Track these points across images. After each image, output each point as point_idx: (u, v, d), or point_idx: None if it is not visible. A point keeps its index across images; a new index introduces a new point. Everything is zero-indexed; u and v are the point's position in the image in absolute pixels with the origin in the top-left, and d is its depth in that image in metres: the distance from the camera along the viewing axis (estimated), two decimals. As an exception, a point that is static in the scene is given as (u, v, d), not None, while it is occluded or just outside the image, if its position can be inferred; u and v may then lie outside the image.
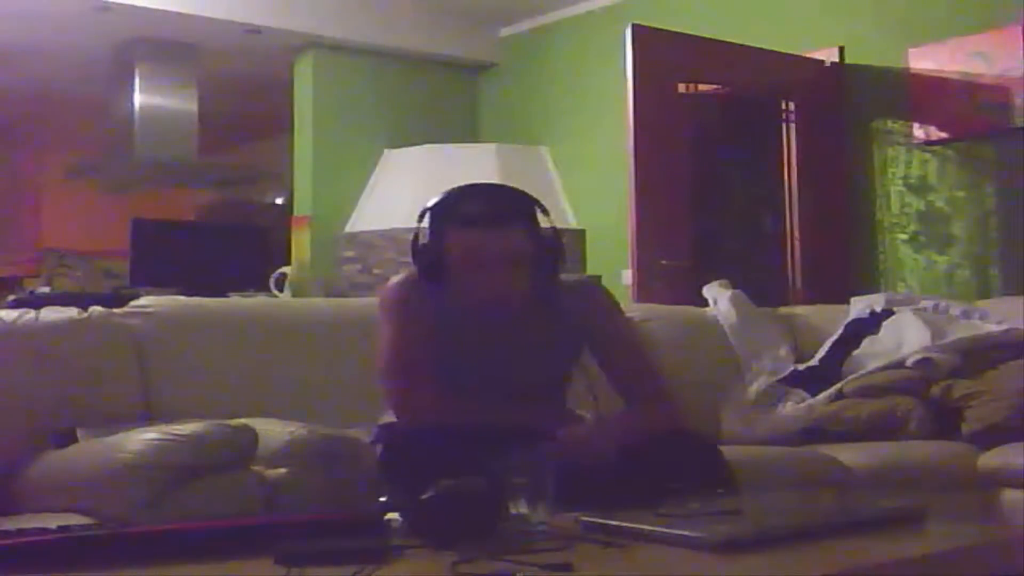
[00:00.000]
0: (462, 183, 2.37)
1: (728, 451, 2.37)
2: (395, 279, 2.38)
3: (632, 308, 3.55)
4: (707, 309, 3.92)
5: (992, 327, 3.65)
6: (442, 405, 2.24)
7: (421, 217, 2.31)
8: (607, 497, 1.83)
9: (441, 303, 2.33)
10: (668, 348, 3.36)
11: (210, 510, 1.90)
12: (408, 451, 2.15)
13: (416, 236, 2.32)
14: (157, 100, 6.42)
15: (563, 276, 2.42)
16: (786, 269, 5.07)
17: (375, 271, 5.92)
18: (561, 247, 2.36)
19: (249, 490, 2.04)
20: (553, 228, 2.34)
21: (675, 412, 2.38)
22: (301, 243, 6.18)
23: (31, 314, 2.53)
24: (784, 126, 5.13)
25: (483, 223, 2.25)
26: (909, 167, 4.87)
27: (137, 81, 6.36)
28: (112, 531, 1.60)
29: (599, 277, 3.92)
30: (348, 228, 6.10)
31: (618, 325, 2.47)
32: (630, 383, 2.38)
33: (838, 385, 3.52)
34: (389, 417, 2.33)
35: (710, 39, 4.90)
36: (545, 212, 2.33)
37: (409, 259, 2.34)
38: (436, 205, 2.31)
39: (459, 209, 2.28)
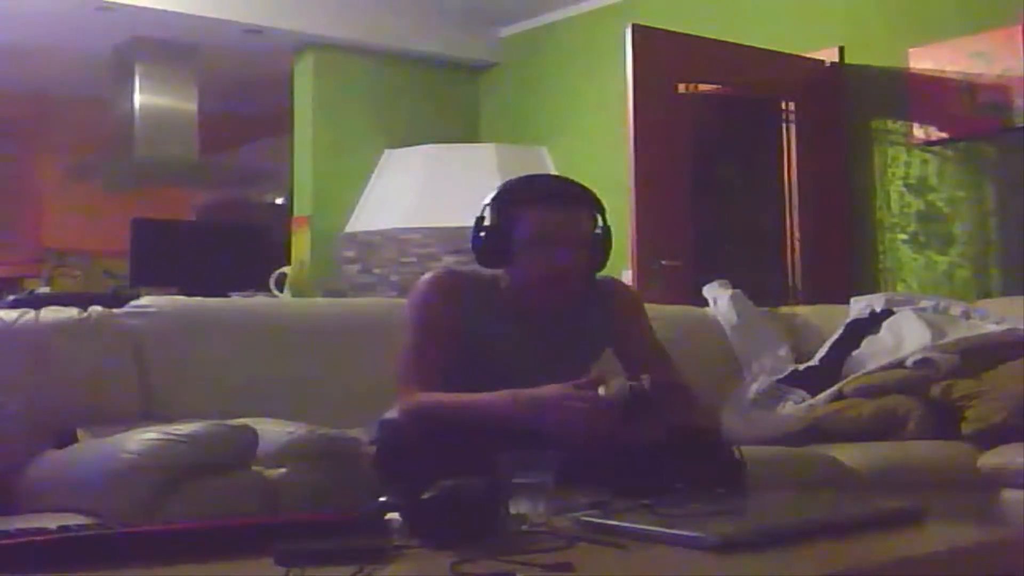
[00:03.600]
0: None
1: (728, 451, 2.37)
2: (426, 276, 2.38)
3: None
4: (707, 309, 3.93)
5: (992, 327, 3.65)
6: (438, 406, 2.23)
7: (492, 202, 2.33)
8: (619, 483, 1.86)
9: (476, 295, 2.34)
10: (668, 348, 3.36)
11: (210, 510, 1.90)
12: (407, 450, 2.15)
13: (479, 220, 2.33)
14: (157, 100, 6.42)
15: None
16: (786, 269, 5.07)
17: (375, 271, 5.92)
18: (610, 245, 2.38)
19: (249, 490, 2.04)
20: (607, 227, 2.37)
21: (701, 411, 2.42)
22: (301, 243, 6.18)
23: (31, 314, 2.54)
24: (784, 126, 5.13)
25: (563, 203, 2.30)
26: (909, 167, 4.87)
27: (137, 81, 6.35)
28: (112, 531, 1.60)
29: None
30: (348, 228, 6.10)
31: (644, 326, 2.48)
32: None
33: (838, 385, 3.52)
34: (393, 413, 2.32)
35: (710, 39, 4.90)
36: (603, 212, 2.37)
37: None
38: (509, 189, 2.34)
39: (539, 189, 2.34)
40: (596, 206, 2.36)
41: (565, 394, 2.08)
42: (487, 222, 2.32)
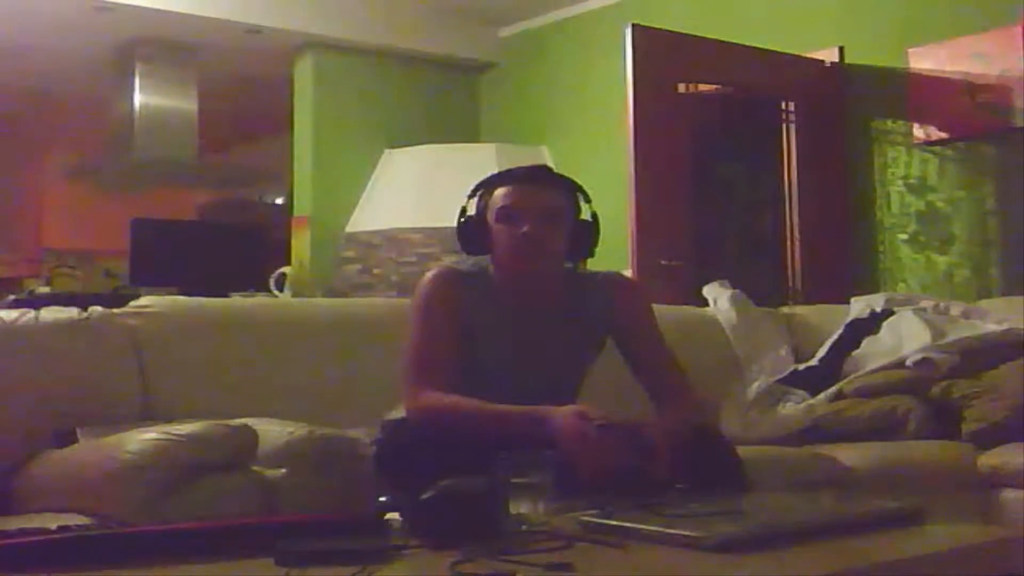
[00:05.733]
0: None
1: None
2: (428, 275, 2.40)
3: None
4: (707, 309, 3.92)
5: (992, 327, 3.65)
6: (453, 409, 2.23)
7: (470, 194, 2.40)
8: (622, 487, 1.87)
9: (476, 290, 2.35)
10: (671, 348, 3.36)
11: (210, 510, 1.90)
12: (408, 450, 2.15)
13: (463, 210, 2.39)
14: (157, 100, 6.42)
15: (592, 270, 2.47)
16: (786, 269, 5.07)
17: (375, 271, 5.92)
18: (597, 231, 2.41)
19: (249, 490, 2.04)
20: (593, 214, 2.40)
21: (702, 409, 2.42)
22: (301, 243, 6.18)
23: (31, 314, 2.53)
24: (784, 126, 5.13)
25: (525, 180, 2.36)
26: (909, 167, 4.87)
27: (137, 81, 6.36)
28: (112, 531, 1.60)
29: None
30: (348, 228, 6.10)
31: (648, 320, 2.48)
32: (658, 378, 2.40)
33: (838, 385, 3.52)
34: (398, 412, 2.32)
35: (710, 39, 4.90)
36: (587, 199, 2.40)
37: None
38: (483, 179, 2.41)
39: (507, 173, 2.41)
40: (567, 187, 2.40)
41: (584, 430, 2.05)
42: (468, 211, 2.40)
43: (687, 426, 2.23)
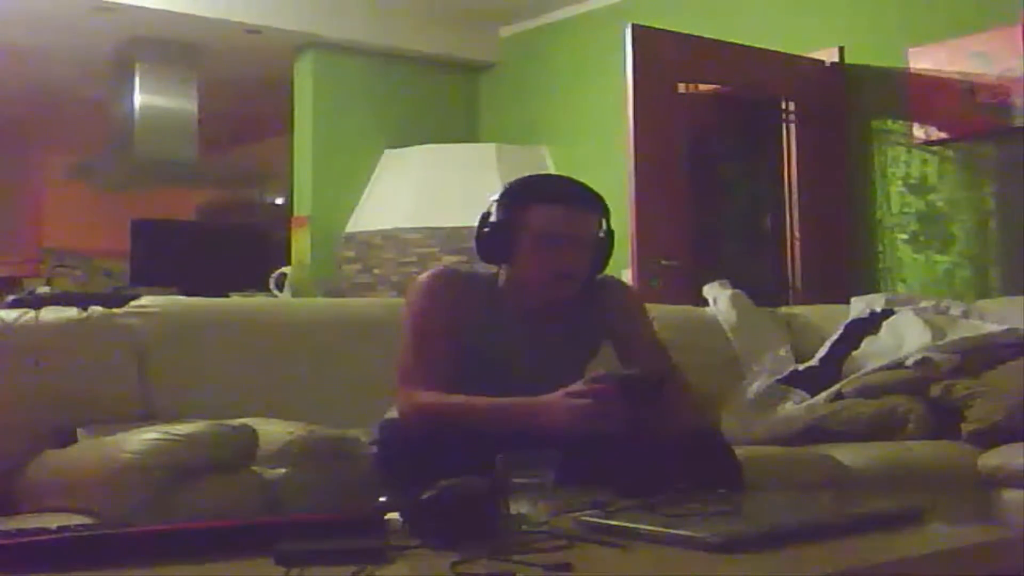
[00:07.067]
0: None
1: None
2: (423, 275, 2.38)
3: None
4: (707, 309, 3.92)
5: (992, 327, 3.65)
6: (445, 411, 2.23)
7: (500, 198, 2.33)
8: (619, 483, 1.88)
9: (473, 293, 2.34)
10: (668, 348, 3.35)
11: (210, 510, 1.90)
12: (407, 450, 2.15)
13: (486, 215, 2.33)
14: (157, 100, 6.43)
15: None
16: (786, 269, 5.07)
17: (375, 271, 5.93)
18: (612, 251, 2.39)
19: (249, 490, 2.04)
20: (611, 231, 2.38)
21: (701, 410, 2.42)
22: (301, 243, 6.18)
23: (31, 314, 2.53)
24: (784, 126, 5.13)
25: (567, 202, 2.31)
26: (909, 167, 4.88)
27: (137, 81, 6.37)
28: (112, 531, 1.60)
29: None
30: (348, 228, 6.11)
31: (642, 322, 2.48)
32: None
33: (838, 385, 3.52)
34: (394, 413, 2.32)
35: (710, 39, 4.91)
36: (609, 216, 2.37)
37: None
38: (519, 186, 2.35)
39: (551, 189, 2.36)
40: (604, 210, 2.37)
41: (566, 397, 2.08)
42: (493, 218, 2.32)
43: (685, 428, 2.23)
